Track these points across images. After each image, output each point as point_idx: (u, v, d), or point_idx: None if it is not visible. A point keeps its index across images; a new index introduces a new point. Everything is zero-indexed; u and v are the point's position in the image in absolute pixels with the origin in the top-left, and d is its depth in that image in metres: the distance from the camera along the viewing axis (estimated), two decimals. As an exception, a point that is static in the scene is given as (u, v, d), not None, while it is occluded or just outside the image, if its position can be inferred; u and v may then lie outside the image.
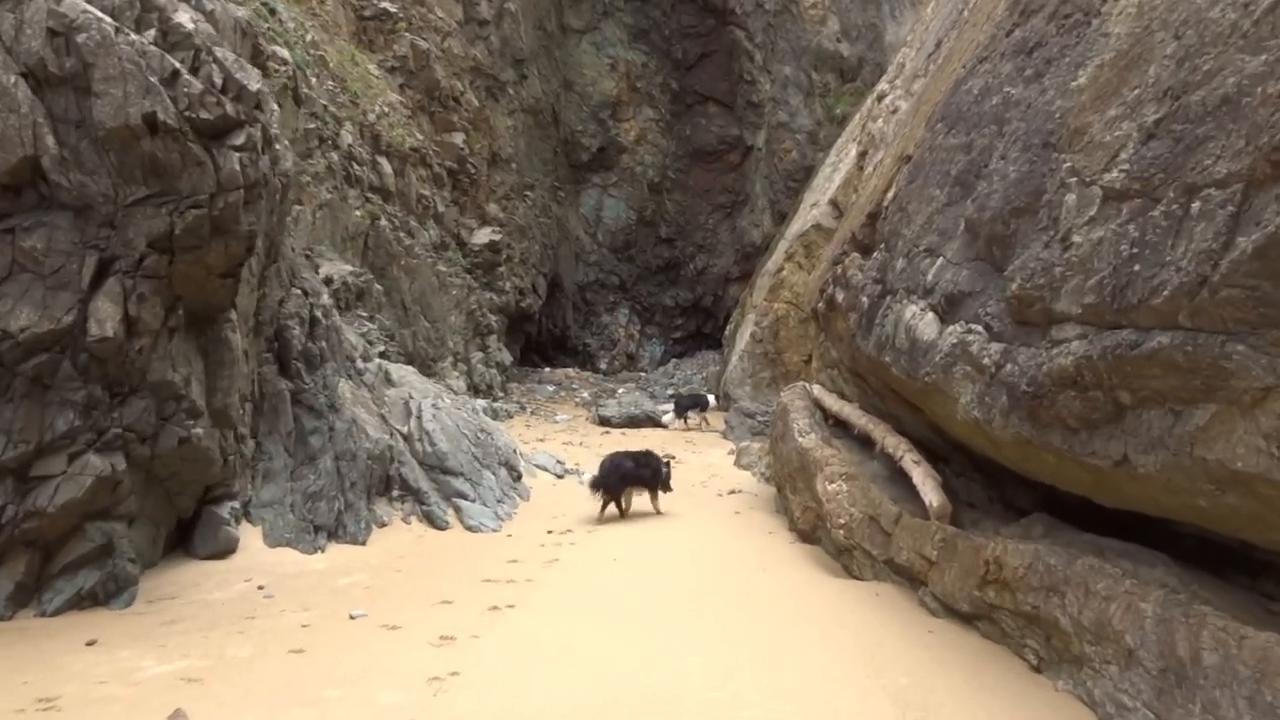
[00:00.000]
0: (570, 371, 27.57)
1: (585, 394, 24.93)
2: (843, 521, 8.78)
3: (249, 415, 8.16)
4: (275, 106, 8.48)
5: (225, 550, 7.58)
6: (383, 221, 16.23)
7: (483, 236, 23.51)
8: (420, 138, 19.42)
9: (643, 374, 29.14)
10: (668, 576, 7.87)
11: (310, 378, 8.75)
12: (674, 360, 30.26)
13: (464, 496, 9.54)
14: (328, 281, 12.96)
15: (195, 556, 7.55)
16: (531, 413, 21.33)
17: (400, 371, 11.53)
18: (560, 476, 12.81)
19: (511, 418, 20.19)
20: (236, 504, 7.81)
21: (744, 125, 29.56)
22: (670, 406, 20.39)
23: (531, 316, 26.37)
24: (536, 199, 27.06)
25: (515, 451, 12.87)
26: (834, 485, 9.25)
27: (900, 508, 8.52)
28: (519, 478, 11.18)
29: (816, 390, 13.47)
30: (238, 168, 6.22)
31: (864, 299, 9.93)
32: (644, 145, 30.24)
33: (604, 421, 20.03)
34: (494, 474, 10.36)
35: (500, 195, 25.26)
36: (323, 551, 8.08)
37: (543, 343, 29.28)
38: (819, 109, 28.02)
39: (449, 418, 10.45)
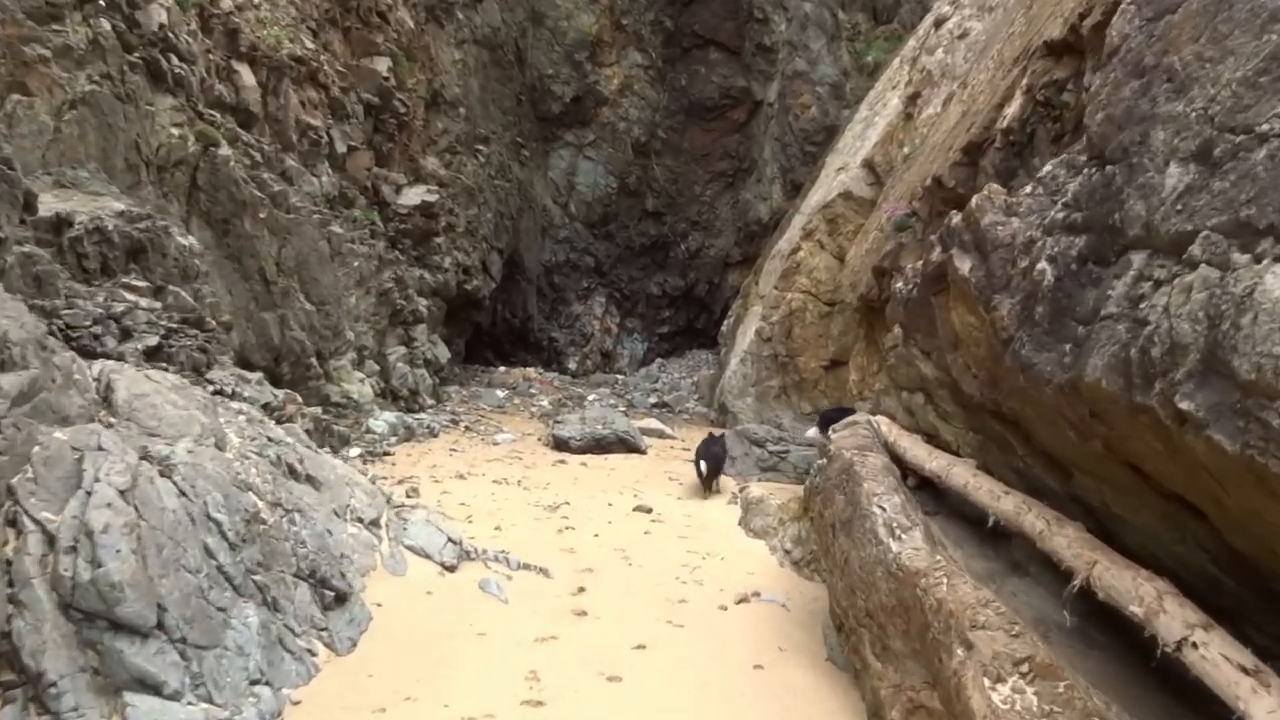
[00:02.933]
0: (530, 372, 22.13)
1: (545, 402, 19.56)
2: (1052, 816, 3.51)
3: None
4: None
5: None
6: (225, 150, 10.83)
7: (413, 196, 18.03)
8: (311, 47, 13.99)
9: (620, 376, 23.87)
10: None
11: None
12: (659, 360, 25.06)
13: (151, 685, 4.17)
14: (62, 224, 7.58)
15: None
16: (466, 429, 15.89)
17: (140, 387, 6.15)
18: (451, 568, 7.43)
19: (435, 436, 14.80)
20: None
21: (752, 75, 24.15)
22: (813, 430, 15.40)
23: (480, 303, 20.97)
24: (492, 155, 21.60)
25: (376, 522, 7.53)
26: (1008, 694, 3.94)
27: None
28: (341, 599, 5.81)
29: (885, 427, 8.18)
30: None
31: (1042, 268, 4.69)
32: (629, 97, 24.75)
33: (560, 445, 14.62)
34: (268, 608, 5.00)
35: (442, 147, 19.80)
36: None
37: (497, 336, 23.87)
38: (845, 56, 22.73)
39: (191, 490, 5.10)
